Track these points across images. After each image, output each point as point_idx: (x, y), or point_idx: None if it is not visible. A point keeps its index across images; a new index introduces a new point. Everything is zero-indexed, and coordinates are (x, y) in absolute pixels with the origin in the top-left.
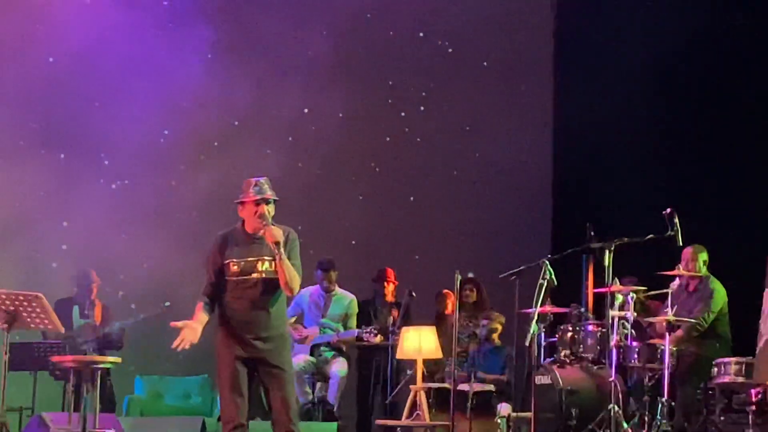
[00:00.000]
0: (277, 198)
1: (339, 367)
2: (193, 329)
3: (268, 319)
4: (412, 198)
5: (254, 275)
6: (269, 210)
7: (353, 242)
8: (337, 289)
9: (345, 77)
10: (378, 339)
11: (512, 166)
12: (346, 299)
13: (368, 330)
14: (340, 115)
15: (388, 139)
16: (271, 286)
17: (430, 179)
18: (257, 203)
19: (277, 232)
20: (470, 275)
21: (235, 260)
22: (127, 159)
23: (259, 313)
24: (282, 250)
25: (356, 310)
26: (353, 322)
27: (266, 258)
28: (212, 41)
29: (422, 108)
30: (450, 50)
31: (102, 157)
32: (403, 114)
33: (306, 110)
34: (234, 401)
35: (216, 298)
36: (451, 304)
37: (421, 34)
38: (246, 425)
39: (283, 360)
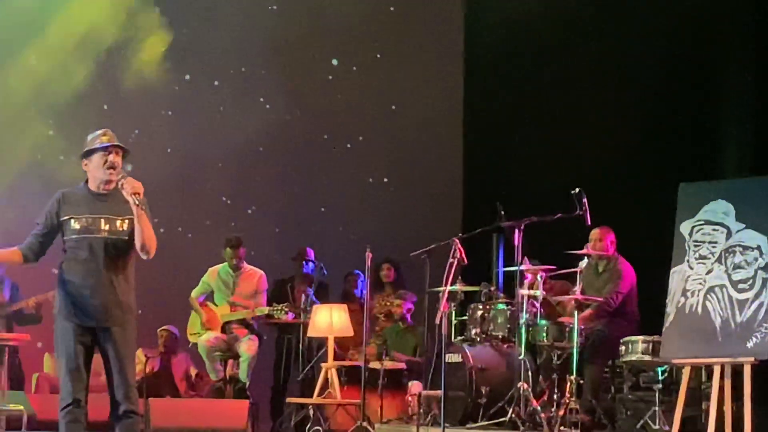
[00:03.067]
0: (128, 150)
1: (250, 345)
2: None
3: (112, 285)
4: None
5: (98, 234)
6: (119, 162)
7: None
8: (246, 266)
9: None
10: (290, 317)
11: (424, 145)
12: (255, 276)
13: (279, 308)
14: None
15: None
16: (116, 248)
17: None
18: (108, 151)
19: (137, 183)
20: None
21: (76, 216)
22: None
23: (102, 279)
24: (142, 202)
25: (266, 286)
26: (263, 298)
27: (111, 217)
28: None
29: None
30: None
31: None
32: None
33: None
34: (70, 375)
35: (36, 251)
36: (360, 283)
37: None
38: (82, 401)
39: (126, 333)
